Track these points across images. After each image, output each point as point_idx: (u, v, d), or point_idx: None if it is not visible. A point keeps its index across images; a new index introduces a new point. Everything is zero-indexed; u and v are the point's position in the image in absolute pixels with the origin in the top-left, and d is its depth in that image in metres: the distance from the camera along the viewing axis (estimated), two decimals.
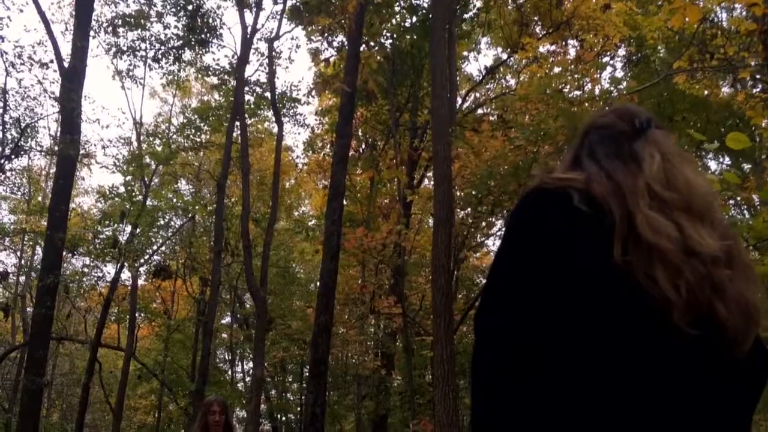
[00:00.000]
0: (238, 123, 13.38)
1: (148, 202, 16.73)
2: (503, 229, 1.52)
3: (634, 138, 1.41)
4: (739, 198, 11.79)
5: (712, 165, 18.49)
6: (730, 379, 1.26)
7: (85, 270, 16.54)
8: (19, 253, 21.34)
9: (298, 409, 21.32)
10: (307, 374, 8.90)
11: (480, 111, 17.31)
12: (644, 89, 11.45)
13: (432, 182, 11.30)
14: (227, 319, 23.06)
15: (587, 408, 1.21)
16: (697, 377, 1.24)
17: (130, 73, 16.36)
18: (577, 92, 12.45)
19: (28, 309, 17.87)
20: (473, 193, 9.92)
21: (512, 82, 18.31)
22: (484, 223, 14.48)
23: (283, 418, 22.88)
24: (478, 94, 18.78)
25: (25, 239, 20.01)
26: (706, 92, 12.71)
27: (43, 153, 15.17)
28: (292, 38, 60.26)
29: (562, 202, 1.31)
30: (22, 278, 20.61)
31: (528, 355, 1.26)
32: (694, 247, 1.25)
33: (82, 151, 14.44)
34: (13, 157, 13.19)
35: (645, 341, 1.24)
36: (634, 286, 1.23)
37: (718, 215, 1.35)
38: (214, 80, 16.61)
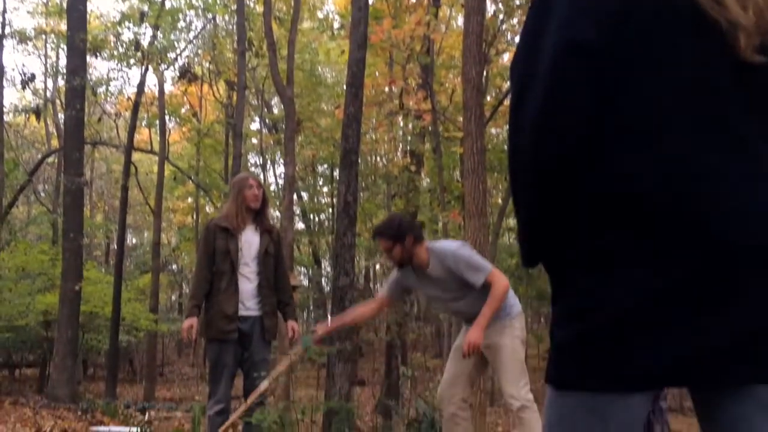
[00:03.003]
0: None
1: (168, 3, 16.11)
2: None
3: None
4: None
5: None
6: None
7: (111, 75, 16.46)
8: (43, 58, 21.18)
9: (330, 210, 22.11)
10: (338, 172, 9.01)
11: None
12: None
13: None
14: (256, 125, 23.22)
15: (635, 138, 1.13)
16: (763, 106, 1.16)
17: None
18: None
19: (60, 115, 18.06)
20: None
21: None
22: (515, 20, 13.75)
23: (316, 219, 23.82)
24: None
25: (48, 43, 19.71)
26: None
27: None
28: None
29: None
30: (50, 84, 20.65)
31: (574, 97, 1.14)
32: None
33: None
34: None
35: (710, 67, 1.14)
36: (698, 12, 1.13)
37: None
38: None
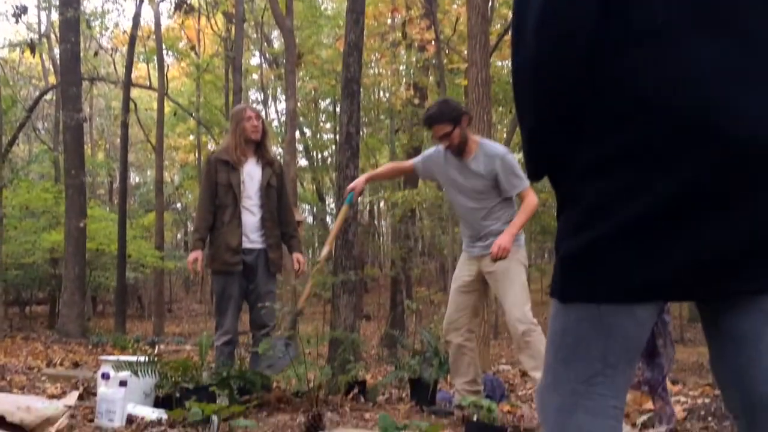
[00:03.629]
0: None
1: None
2: None
3: None
4: None
5: None
6: None
7: (106, 8, 16.04)
8: None
9: (333, 147, 21.94)
10: (340, 103, 8.86)
11: None
12: None
13: None
14: (256, 59, 22.82)
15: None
16: None
17: None
18: None
19: (55, 50, 17.72)
20: None
21: None
22: None
23: (319, 156, 23.68)
24: None
25: None
26: None
27: None
28: None
29: None
30: (44, 17, 20.19)
31: None
32: None
33: None
34: None
35: None
36: None
37: None
38: None
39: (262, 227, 4.39)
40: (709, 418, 2.97)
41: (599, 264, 1.11)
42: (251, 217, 4.39)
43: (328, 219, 22.75)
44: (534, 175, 1.27)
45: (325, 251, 4.13)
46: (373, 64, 15.91)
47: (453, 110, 3.62)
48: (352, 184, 4.07)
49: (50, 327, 15.74)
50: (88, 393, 4.38)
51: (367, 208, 24.54)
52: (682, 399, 3.51)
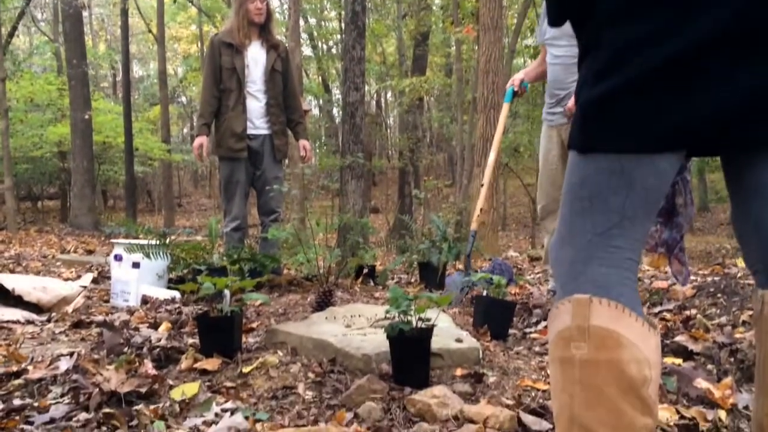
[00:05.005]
0: None
1: None
2: None
3: None
4: None
5: None
6: None
7: None
8: None
9: (338, 36, 21.30)
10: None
11: None
12: None
13: None
14: None
15: None
16: None
17: None
18: None
19: None
20: None
21: None
22: None
23: (324, 46, 23.06)
24: None
25: None
26: None
27: None
28: None
29: None
30: None
31: None
32: None
33: None
34: None
35: None
36: None
37: None
38: None
39: (267, 113, 4.31)
40: (719, 295, 2.99)
41: (621, 112, 1.06)
42: (256, 102, 4.29)
43: (335, 111, 22.45)
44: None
45: (492, 157, 3.89)
46: None
47: None
48: (510, 81, 3.78)
49: (63, 221, 15.97)
50: (103, 277, 4.47)
51: (374, 98, 24.17)
52: (692, 278, 3.54)
